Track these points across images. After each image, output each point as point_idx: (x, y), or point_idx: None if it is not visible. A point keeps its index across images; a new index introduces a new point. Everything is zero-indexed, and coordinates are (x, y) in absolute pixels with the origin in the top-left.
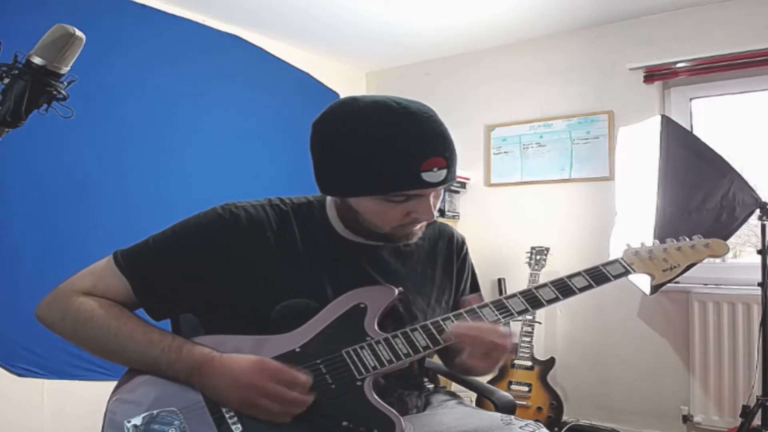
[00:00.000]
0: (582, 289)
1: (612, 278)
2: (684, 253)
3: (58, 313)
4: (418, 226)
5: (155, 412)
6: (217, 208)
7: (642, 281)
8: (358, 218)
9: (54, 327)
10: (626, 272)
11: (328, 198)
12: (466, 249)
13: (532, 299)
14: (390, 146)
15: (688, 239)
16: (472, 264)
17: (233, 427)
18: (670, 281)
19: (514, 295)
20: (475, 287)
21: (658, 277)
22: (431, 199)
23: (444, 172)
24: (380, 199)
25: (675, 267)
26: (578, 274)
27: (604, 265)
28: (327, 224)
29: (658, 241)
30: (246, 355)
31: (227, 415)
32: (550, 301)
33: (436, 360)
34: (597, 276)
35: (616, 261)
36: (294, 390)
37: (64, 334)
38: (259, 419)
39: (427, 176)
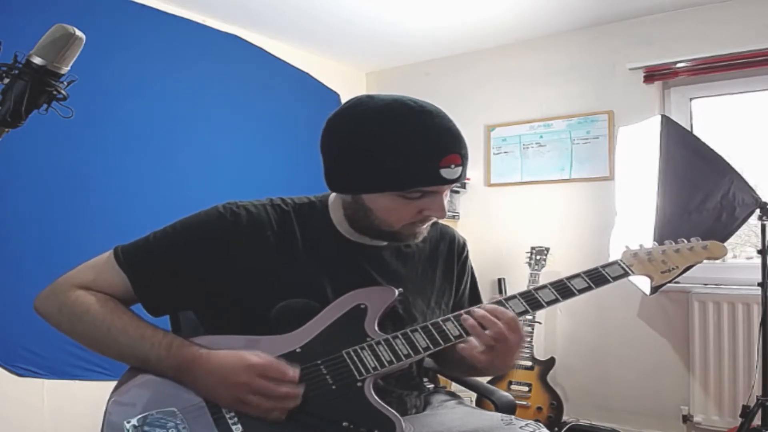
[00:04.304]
0: (581, 291)
1: (611, 280)
2: (682, 255)
3: (55, 305)
4: (425, 225)
5: (154, 412)
6: (219, 207)
7: (642, 281)
8: (370, 216)
9: (50, 319)
10: (625, 274)
11: (331, 198)
12: (467, 252)
13: (532, 301)
14: (410, 143)
15: (686, 241)
16: (473, 269)
17: (233, 428)
18: (669, 282)
19: (513, 297)
20: (474, 295)
21: (657, 278)
22: (444, 197)
23: (460, 168)
24: (396, 196)
25: (673, 269)
26: (577, 275)
27: (603, 266)
28: (329, 224)
29: (656, 243)
30: (233, 352)
31: (227, 416)
32: (550, 303)
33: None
34: (596, 278)
35: (615, 263)
36: (283, 385)
37: (60, 326)
38: (256, 418)
39: (445, 173)
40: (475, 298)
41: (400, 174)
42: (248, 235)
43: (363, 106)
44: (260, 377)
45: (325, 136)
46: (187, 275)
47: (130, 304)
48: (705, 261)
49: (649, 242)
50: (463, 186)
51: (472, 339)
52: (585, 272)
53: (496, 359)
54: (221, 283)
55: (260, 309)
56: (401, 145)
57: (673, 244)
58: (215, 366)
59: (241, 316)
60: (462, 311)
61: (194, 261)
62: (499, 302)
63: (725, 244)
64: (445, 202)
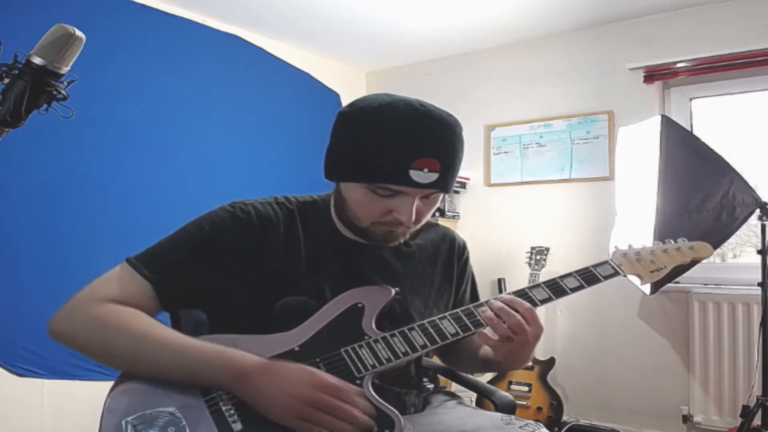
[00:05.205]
0: (574, 290)
1: (602, 279)
2: (670, 255)
3: (81, 323)
4: (401, 229)
5: (152, 411)
6: (227, 207)
7: (636, 281)
8: (345, 208)
9: (75, 339)
10: (615, 273)
11: (332, 196)
12: (467, 254)
13: (526, 299)
14: (388, 136)
15: (673, 242)
16: (473, 272)
17: (233, 426)
18: (661, 282)
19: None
20: (474, 296)
21: (646, 278)
22: (416, 201)
23: (435, 175)
24: (367, 189)
25: (662, 268)
26: (570, 274)
27: (594, 266)
28: (330, 223)
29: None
30: (299, 365)
31: (226, 414)
32: (543, 301)
33: (436, 359)
34: (588, 277)
35: (605, 262)
36: (352, 404)
37: (88, 345)
38: (256, 415)
39: (414, 174)
40: (475, 300)
41: (370, 166)
42: (258, 233)
43: (369, 100)
44: (328, 394)
45: (333, 124)
46: (207, 276)
47: (153, 315)
48: (705, 260)
49: (640, 243)
50: (463, 186)
51: (488, 330)
52: (577, 271)
53: (514, 349)
54: (233, 281)
55: (264, 306)
56: (380, 139)
57: (661, 244)
58: (280, 377)
59: (244, 314)
60: (458, 310)
61: (214, 261)
62: None
63: (725, 243)
64: (428, 211)
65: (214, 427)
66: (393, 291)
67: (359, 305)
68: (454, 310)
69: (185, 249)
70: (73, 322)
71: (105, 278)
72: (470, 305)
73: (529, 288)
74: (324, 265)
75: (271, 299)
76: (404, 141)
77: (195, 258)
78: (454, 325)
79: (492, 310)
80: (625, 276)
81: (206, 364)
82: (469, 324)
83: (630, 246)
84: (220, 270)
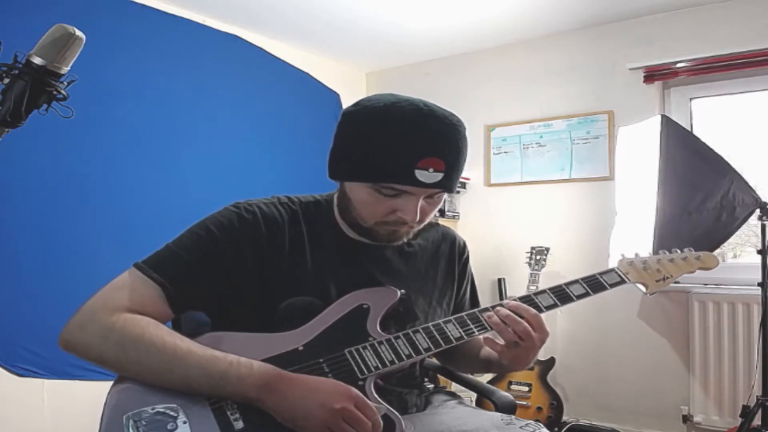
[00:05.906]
0: (579, 297)
1: (608, 287)
2: (676, 264)
3: (98, 332)
4: (405, 229)
5: (153, 406)
6: (231, 208)
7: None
8: (350, 207)
9: (90, 350)
10: (622, 281)
11: (335, 196)
12: (468, 254)
13: (531, 305)
14: (394, 136)
15: (680, 251)
16: (472, 274)
17: (234, 423)
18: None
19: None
20: (474, 297)
21: (652, 286)
22: (421, 201)
23: (439, 175)
24: (372, 189)
25: (668, 277)
26: (576, 281)
27: (600, 273)
28: (333, 223)
29: (650, 253)
30: (326, 379)
31: (228, 411)
32: (549, 308)
33: (436, 360)
34: (594, 284)
35: (612, 270)
36: (374, 421)
37: (105, 356)
38: (258, 414)
39: (420, 174)
40: (474, 301)
41: (375, 166)
42: (266, 234)
43: (374, 100)
44: (357, 408)
45: (338, 123)
46: (216, 277)
47: (164, 322)
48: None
49: (645, 249)
50: (463, 186)
51: (494, 334)
52: (583, 279)
53: (519, 354)
54: (241, 281)
55: (269, 307)
56: (385, 139)
57: (668, 253)
58: (311, 388)
59: (249, 314)
60: (463, 314)
61: (222, 262)
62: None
63: (725, 243)
64: (432, 210)
65: (215, 424)
66: (399, 293)
67: (364, 306)
68: (459, 314)
69: (194, 251)
70: (89, 333)
71: (116, 286)
72: (475, 310)
73: (534, 294)
74: (329, 265)
75: (277, 299)
76: (409, 141)
77: (204, 260)
78: (459, 329)
79: (498, 317)
80: (624, 284)
81: (235, 374)
82: (473, 328)
83: (636, 254)
84: (228, 271)
